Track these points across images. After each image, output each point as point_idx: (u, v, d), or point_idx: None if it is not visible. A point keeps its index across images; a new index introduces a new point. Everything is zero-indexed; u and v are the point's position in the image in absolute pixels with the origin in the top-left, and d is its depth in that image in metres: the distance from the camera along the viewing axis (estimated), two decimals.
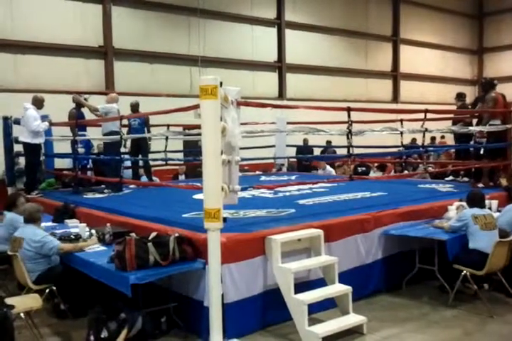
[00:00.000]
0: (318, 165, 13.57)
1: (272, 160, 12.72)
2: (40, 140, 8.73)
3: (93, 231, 5.79)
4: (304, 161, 14.56)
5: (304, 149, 14.41)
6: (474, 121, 9.24)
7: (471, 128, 8.70)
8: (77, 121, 9.04)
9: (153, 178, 10.82)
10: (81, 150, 9.11)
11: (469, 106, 9.75)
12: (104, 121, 8.95)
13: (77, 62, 14.30)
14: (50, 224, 6.75)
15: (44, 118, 8.91)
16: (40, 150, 9.02)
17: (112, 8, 14.70)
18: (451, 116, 10.05)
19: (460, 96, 9.82)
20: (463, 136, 9.37)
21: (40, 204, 6.14)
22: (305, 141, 14.65)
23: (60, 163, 10.74)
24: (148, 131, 9.57)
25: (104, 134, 8.77)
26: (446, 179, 9.77)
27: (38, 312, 5.03)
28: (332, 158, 14.06)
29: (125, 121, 9.46)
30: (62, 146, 10.10)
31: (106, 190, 8.72)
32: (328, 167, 13.17)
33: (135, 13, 15.35)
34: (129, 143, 9.52)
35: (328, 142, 15.19)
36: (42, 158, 9.44)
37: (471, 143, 9.21)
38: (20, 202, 6.51)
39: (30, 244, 5.24)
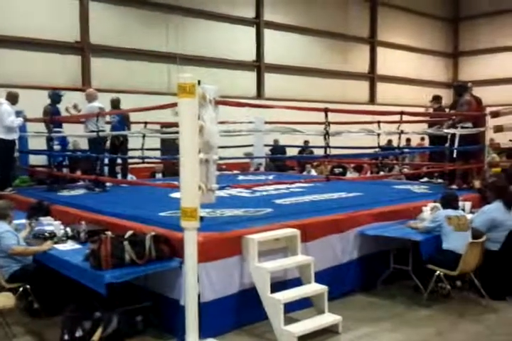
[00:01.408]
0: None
1: (249, 160, 12.74)
2: (14, 136, 8.60)
3: (62, 231, 5.70)
4: (277, 162, 14.57)
5: (277, 149, 14.43)
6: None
7: (444, 130, 8.81)
8: (52, 118, 8.91)
9: (130, 176, 10.73)
10: (56, 147, 8.99)
11: (446, 110, 9.86)
12: (83, 117, 8.86)
13: (54, 57, 14.12)
14: (23, 221, 6.64)
15: (19, 113, 8.78)
16: (14, 146, 8.88)
17: (89, 3, 14.55)
18: (427, 118, 10.18)
19: (436, 99, 9.92)
20: (437, 139, 9.49)
21: (13, 202, 6.06)
22: (276, 141, 14.67)
23: (34, 160, 10.59)
24: (128, 129, 9.45)
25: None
26: (421, 180, 9.90)
27: (10, 311, 4.94)
28: (309, 158, 14.13)
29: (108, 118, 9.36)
30: (37, 143, 9.96)
31: (97, 189, 8.57)
32: (313, 171, 13.27)
33: (113, 9, 15.21)
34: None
35: (306, 142, 15.25)
36: (16, 154, 9.29)
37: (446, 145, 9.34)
38: None
39: None
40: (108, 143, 9.12)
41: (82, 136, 8.77)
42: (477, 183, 8.43)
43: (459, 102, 8.78)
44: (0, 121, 8.36)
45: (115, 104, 9.48)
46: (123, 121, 9.33)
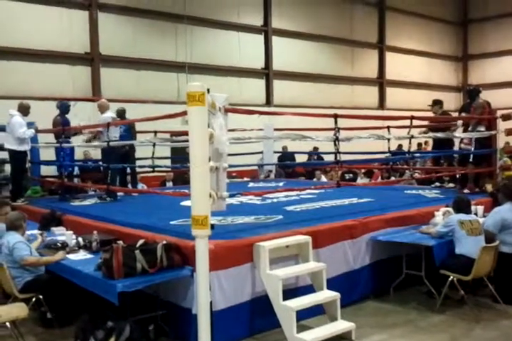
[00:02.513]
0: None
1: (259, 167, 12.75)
2: (25, 147, 8.67)
3: (74, 240, 5.74)
4: (286, 168, 14.54)
5: (286, 156, 14.42)
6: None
7: (456, 134, 8.76)
8: (63, 128, 8.98)
9: (141, 185, 10.77)
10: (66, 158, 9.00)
11: (450, 114, 9.79)
12: (93, 128, 8.91)
13: (64, 68, 14.26)
14: (36, 231, 6.68)
15: (30, 125, 8.85)
16: (26, 157, 8.95)
17: (98, 15, 14.69)
18: (436, 123, 10.11)
19: (439, 104, 9.72)
20: (443, 143, 9.40)
21: (25, 212, 6.09)
22: (284, 148, 14.65)
23: (46, 171, 10.67)
24: (134, 138, 9.51)
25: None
26: (433, 185, 9.82)
27: (24, 322, 4.97)
28: (319, 164, 14.11)
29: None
30: (48, 154, 10.03)
31: (108, 198, 8.61)
32: (323, 177, 13.25)
33: (122, 20, 15.35)
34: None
35: (315, 149, 15.22)
36: (28, 165, 9.36)
37: (455, 149, 9.28)
38: (3, 211, 6.43)
39: (6, 249, 5.24)
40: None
41: (92, 146, 8.79)
42: (489, 187, 8.37)
43: (472, 105, 8.72)
44: (11, 133, 8.44)
45: (121, 114, 9.54)
46: (129, 130, 9.40)
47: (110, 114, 8.79)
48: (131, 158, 9.62)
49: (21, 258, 5.14)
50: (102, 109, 8.93)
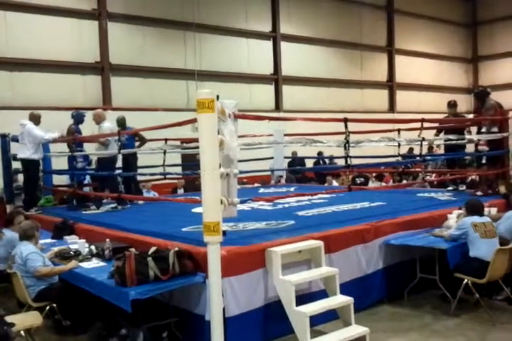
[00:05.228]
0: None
1: (269, 172, 12.74)
2: (39, 155, 8.75)
3: (86, 249, 5.77)
4: (296, 174, 14.51)
5: (296, 161, 14.38)
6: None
7: (468, 136, 8.70)
8: (75, 138, 9.02)
9: (152, 193, 10.77)
10: (81, 164, 9.05)
11: (465, 115, 9.72)
12: (101, 137, 8.94)
13: (74, 78, 14.38)
14: (49, 240, 6.73)
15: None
16: (38, 166, 9.01)
17: (108, 24, 14.81)
18: (448, 125, 10.04)
19: (454, 105, 9.68)
20: (455, 145, 9.30)
21: (38, 221, 6.14)
22: (294, 153, 14.62)
23: (58, 180, 10.73)
24: (142, 144, 9.51)
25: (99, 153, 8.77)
26: (448, 188, 9.71)
27: (38, 330, 4.98)
28: (330, 168, 14.08)
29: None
30: (60, 163, 10.10)
31: (119, 207, 8.64)
32: (334, 182, 13.22)
33: (131, 29, 15.46)
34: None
35: (320, 153, 15.14)
36: (40, 174, 9.41)
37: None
38: (17, 220, 6.49)
39: (19, 260, 5.28)
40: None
41: (102, 155, 8.80)
42: (502, 188, 8.30)
43: (484, 107, 8.64)
44: (33, 139, 8.53)
45: (122, 122, 9.48)
46: (132, 138, 9.38)
47: (108, 124, 8.75)
48: (133, 166, 9.50)
49: (35, 269, 5.17)
50: (99, 119, 8.82)
